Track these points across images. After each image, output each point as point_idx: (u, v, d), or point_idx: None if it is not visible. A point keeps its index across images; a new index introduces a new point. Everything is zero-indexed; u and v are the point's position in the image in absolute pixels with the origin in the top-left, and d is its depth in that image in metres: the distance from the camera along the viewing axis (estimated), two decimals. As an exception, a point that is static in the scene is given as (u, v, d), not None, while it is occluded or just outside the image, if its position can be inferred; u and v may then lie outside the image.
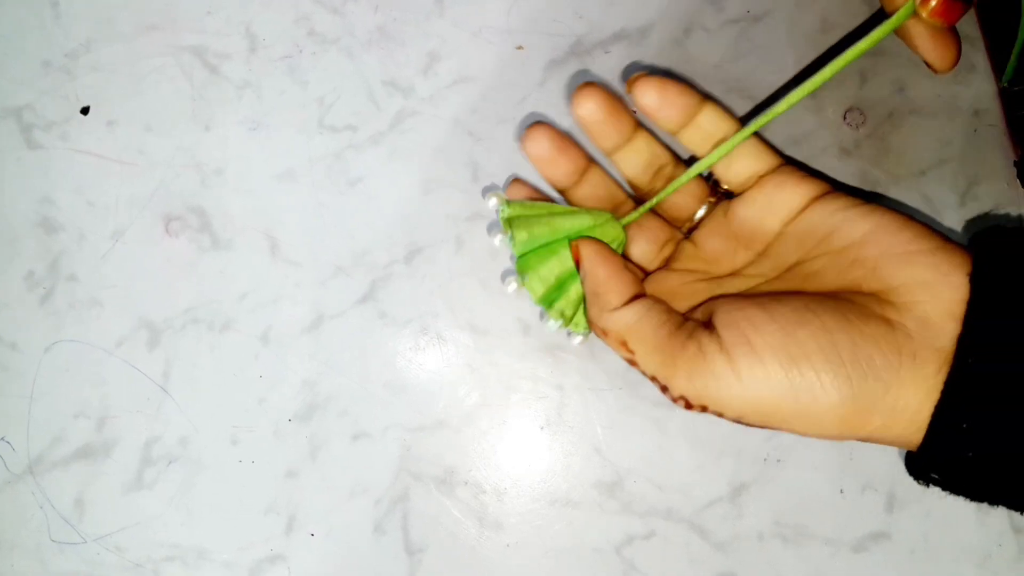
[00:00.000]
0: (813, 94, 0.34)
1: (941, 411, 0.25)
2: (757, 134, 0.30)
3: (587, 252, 0.30)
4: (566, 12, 0.35)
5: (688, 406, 0.27)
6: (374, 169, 0.35)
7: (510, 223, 0.30)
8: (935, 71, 0.29)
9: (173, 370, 0.34)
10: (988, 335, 0.25)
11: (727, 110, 0.30)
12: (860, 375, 0.25)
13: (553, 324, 0.31)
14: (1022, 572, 0.32)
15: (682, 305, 0.30)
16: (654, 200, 0.30)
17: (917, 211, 0.34)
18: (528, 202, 0.31)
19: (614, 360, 0.33)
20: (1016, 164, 0.34)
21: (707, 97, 0.30)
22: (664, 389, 0.27)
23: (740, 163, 0.30)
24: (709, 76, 0.34)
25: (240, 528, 0.33)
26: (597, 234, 0.30)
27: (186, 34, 0.35)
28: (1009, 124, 0.34)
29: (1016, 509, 0.26)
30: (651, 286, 0.31)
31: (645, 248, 0.32)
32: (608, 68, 0.34)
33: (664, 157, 0.31)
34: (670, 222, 0.33)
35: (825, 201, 0.29)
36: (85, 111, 0.35)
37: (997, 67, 0.34)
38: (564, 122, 0.35)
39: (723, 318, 0.27)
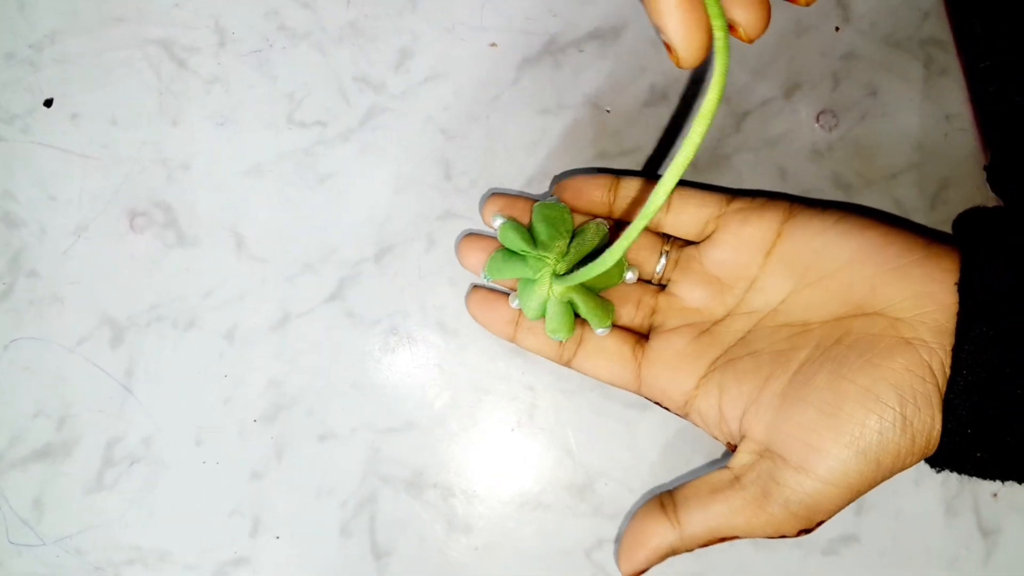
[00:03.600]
0: (787, 95, 0.34)
1: (947, 422, 0.26)
2: (688, 181, 0.32)
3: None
4: (540, 10, 0.34)
5: (810, 531, 0.28)
6: (344, 166, 0.34)
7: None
8: (746, 38, 0.25)
9: (136, 369, 0.33)
10: (979, 346, 0.26)
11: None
12: (913, 410, 0.26)
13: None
14: (989, 574, 0.32)
15: (698, 367, 0.30)
16: (585, 271, 0.28)
17: (888, 215, 0.34)
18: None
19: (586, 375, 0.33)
20: (986, 168, 0.34)
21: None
22: (783, 536, 0.28)
23: (686, 214, 0.31)
24: (681, 77, 0.34)
25: (204, 530, 0.33)
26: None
27: (153, 27, 0.35)
28: (981, 128, 0.34)
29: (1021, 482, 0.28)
30: (658, 356, 0.30)
31: (624, 312, 0.32)
32: (581, 67, 0.34)
33: None
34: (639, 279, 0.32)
35: (796, 224, 0.29)
36: (48, 104, 0.35)
37: (968, 69, 0.34)
38: (534, 122, 0.34)
39: (775, 437, 0.27)
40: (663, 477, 0.33)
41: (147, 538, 0.33)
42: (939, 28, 0.34)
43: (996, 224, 0.29)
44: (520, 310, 0.31)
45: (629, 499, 0.33)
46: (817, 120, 0.34)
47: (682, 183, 0.31)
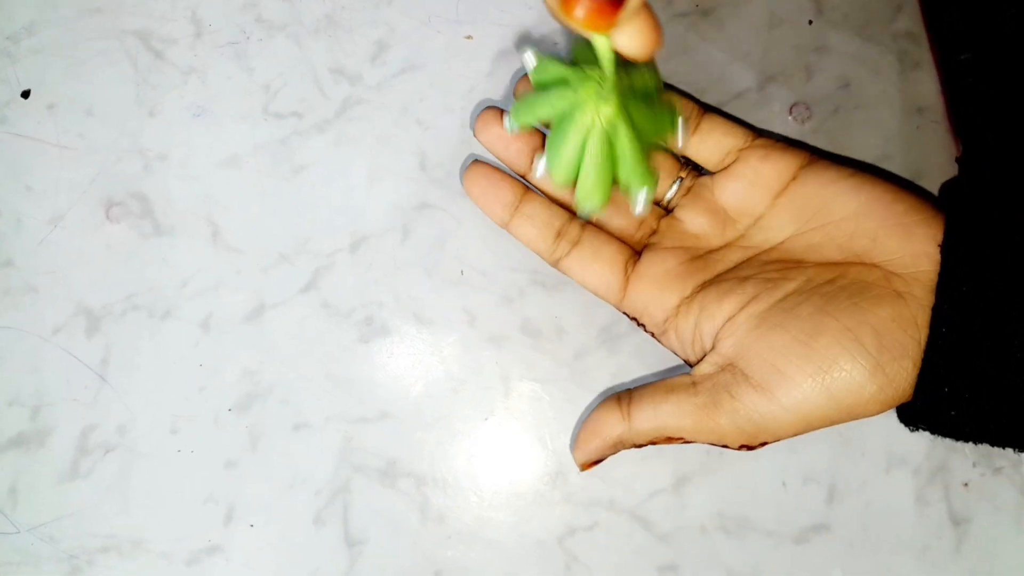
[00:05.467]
0: (760, 88, 0.34)
1: (923, 379, 0.26)
2: (721, 112, 0.31)
3: None
4: (515, 2, 0.35)
5: (750, 448, 0.28)
6: (319, 157, 0.34)
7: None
8: (635, 59, 0.23)
9: (112, 357, 0.34)
10: (958, 304, 0.26)
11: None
12: (889, 359, 0.26)
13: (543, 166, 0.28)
14: (960, 564, 0.32)
15: (684, 287, 0.30)
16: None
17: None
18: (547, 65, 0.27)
19: (559, 351, 0.33)
20: (958, 160, 0.34)
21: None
22: (724, 447, 0.28)
23: (712, 140, 0.31)
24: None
25: (178, 518, 0.33)
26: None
27: (130, 18, 0.35)
28: (953, 120, 0.34)
29: (995, 445, 0.28)
30: (647, 271, 0.31)
31: (622, 223, 0.32)
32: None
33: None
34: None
35: (812, 171, 0.30)
36: (26, 95, 0.35)
37: (942, 61, 0.34)
38: (511, 112, 0.34)
39: (743, 353, 0.28)
40: (635, 466, 0.33)
41: (121, 526, 0.33)
42: (912, 21, 0.35)
43: (980, 191, 0.30)
44: (523, 195, 0.29)
45: (601, 488, 0.33)
46: (790, 112, 0.34)
47: (711, 111, 0.31)
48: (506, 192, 0.31)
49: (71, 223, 0.34)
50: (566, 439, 0.33)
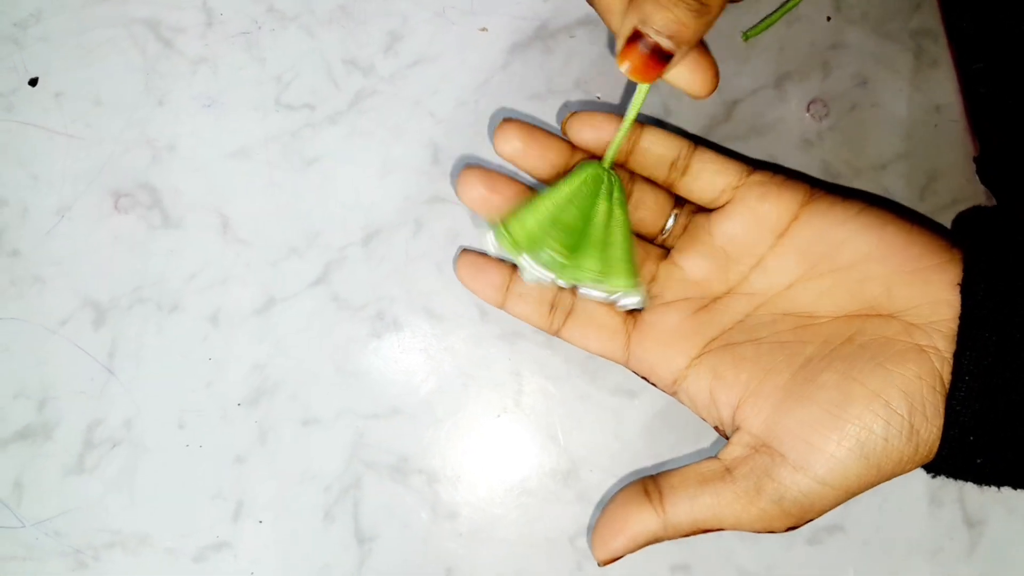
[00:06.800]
0: (777, 84, 0.34)
1: (948, 432, 0.25)
2: (716, 147, 0.31)
3: None
4: (531, -5, 0.34)
5: (797, 527, 0.27)
6: (331, 149, 0.34)
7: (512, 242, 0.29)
8: (694, 97, 0.27)
9: (119, 351, 0.33)
10: (981, 351, 0.25)
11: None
12: (921, 419, 0.25)
13: (532, 273, 0.29)
14: (973, 565, 0.32)
15: (691, 347, 0.29)
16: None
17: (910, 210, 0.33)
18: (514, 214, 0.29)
19: (571, 348, 0.33)
20: (976, 160, 0.34)
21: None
22: (771, 532, 0.27)
23: (703, 179, 0.29)
24: (674, 64, 0.34)
25: (185, 514, 0.33)
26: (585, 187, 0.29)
27: (139, 6, 0.34)
28: (971, 119, 0.34)
29: (1019, 488, 0.27)
30: (651, 329, 0.30)
31: None
32: (572, 53, 0.34)
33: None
34: (643, 238, 0.31)
35: (816, 209, 0.28)
36: (33, 83, 0.34)
37: (959, 62, 0.34)
38: (524, 107, 0.34)
39: (774, 431, 0.27)
40: (648, 464, 0.33)
41: (127, 521, 0.32)
42: (930, 19, 0.34)
43: (998, 226, 0.28)
44: (512, 276, 0.30)
45: (614, 486, 0.33)
46: (807, 109, 0.34)
47: (705, 145, 0.30)
48: (495, 275, 0.30)
49: (78, 213, 0.34)
50: (578, 437, 0.33)
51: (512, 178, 0.30)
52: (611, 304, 0.30)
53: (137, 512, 0.32)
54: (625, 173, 0.30)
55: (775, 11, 0.34)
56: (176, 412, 0.33)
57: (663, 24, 0.23)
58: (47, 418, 0.33)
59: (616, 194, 0.29)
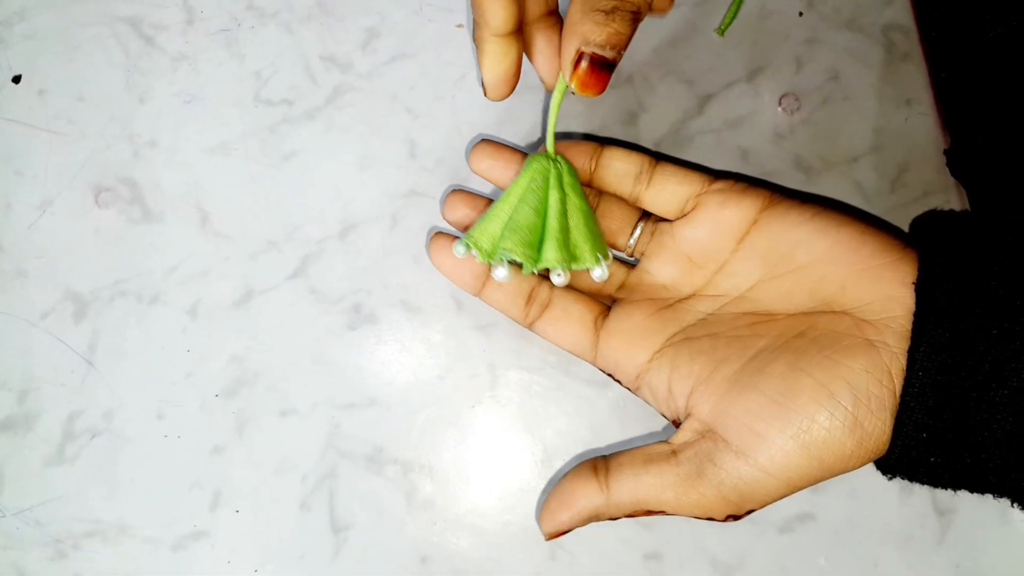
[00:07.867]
0: (750, 79, 0.34)
1: (899, 427, 0.25)
2: (673, 159, 0.32)
3: None
4: (506, -8, 0.35)
5: (737, 518, 0.27)
6: (309, 144, 0.34)
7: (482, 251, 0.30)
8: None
9: (99, 343, 0.34)
10: (934, 349, 0.25)
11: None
12: (866, 412, 0.25)
13: (502, 272, 0.29)
14: (943, 553, 0.32)
15: (654, 341, 0.30)
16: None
17: (850, 198, 0.34)
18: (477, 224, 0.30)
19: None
20: (946, 152, 0.34)
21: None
22: (710, 519, 0.27)
23: (667, 191, 0.30)
24: (650, 60, 0.35)
25: (164, 504, 0.33)
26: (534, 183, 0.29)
27: (122, 4, 0.35)
28: (941, 112, 0.34)
29: (975, 492, 0.27)
30: (617, 327, 0.30)
31: (591, 280, 0.31)
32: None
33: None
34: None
35: (774, 213, 0.29)
36: (17, 80, 0.35)
37: (930, 57, 0.34)
38: (499, 103, 0.34)
39: (720, 418, 0.27)
40: (622, 455, 0.33)
41: (107, 511, 0.33)
42: (901, 13, 0.35)
43: (954, 228, 0.29)
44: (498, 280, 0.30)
45: (588, 476, 0.33)
46: (779, 103, 0.34)
47: (664, 160, 0.31)
48: (473, 263, 0.31)
49: (60, 208, 0.34)
50: (553, 427, 0.33)
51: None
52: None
53: (116, 502, 0.33)
54: (592, 191, 0.32)
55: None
56: (155, 403, 0.33)
57: (605, 39, 0.25)
58: (28, 409, 0.33)
59: (567, 179, 0.29)
